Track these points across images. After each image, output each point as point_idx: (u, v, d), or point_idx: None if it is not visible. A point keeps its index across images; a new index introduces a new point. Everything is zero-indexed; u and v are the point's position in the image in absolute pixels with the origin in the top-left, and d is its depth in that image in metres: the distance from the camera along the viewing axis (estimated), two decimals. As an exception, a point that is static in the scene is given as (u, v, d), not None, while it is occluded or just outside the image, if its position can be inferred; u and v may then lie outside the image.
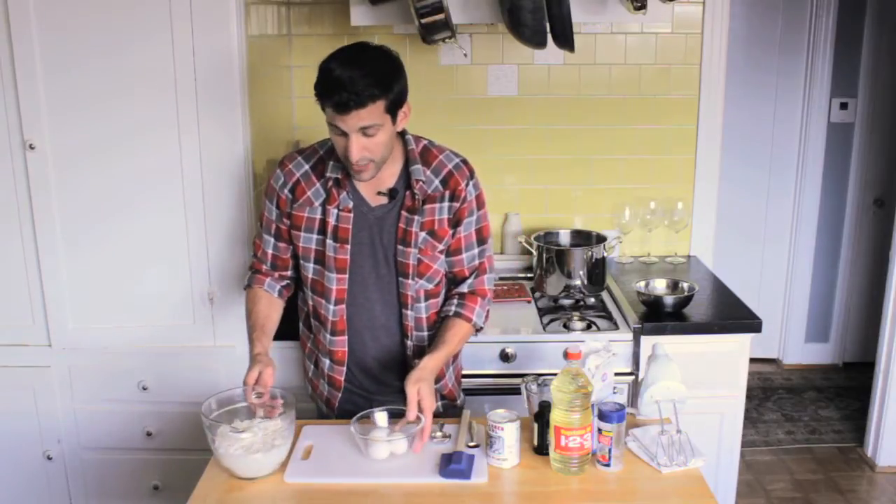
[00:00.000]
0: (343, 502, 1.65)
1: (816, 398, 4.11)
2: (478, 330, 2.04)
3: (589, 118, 2.97)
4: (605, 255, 2.72)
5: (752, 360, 2.71)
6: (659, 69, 2.94)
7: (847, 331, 4.39)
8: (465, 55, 2.86)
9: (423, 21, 2.33)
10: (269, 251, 2.01)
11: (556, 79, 2.94)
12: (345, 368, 2.01)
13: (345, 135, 1.75)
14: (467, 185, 1.94)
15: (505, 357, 2.41)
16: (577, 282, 2.67)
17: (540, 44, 2.44)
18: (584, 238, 2.86)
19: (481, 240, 1.99)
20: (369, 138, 1.75)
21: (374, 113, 1.73)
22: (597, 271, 2.69)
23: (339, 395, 2.05)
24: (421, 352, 1.99)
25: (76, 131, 2.22)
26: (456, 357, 2.13)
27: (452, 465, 1.70)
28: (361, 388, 2.05)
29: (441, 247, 1.95)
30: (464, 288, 2.00)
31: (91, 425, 2.43)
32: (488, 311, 2.04)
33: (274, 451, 1.71)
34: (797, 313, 4.38)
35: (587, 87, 2.95)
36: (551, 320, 2.56)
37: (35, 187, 2.25)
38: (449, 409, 2.11)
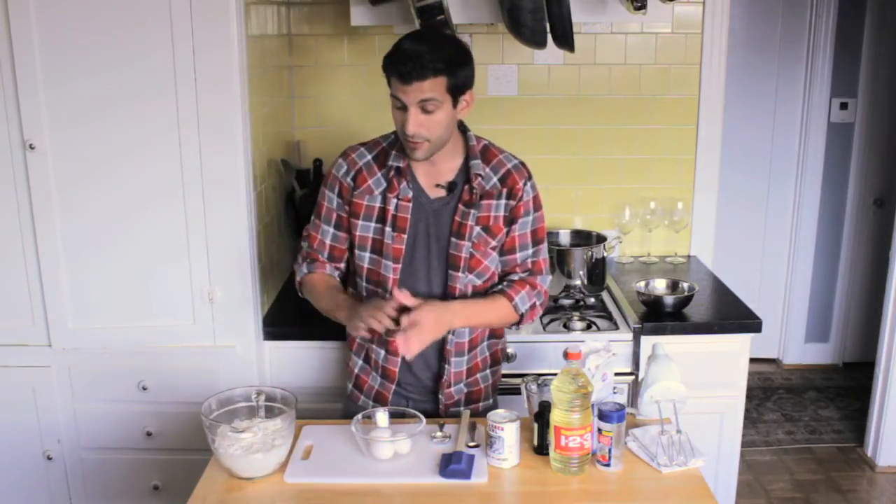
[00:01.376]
0: (343, 502, 1.65)
1: (816, 398, 4.11)
2: (520, 318, 1.98)
3: (589, 118, 2.97)
4: (605, 255, 2.72)
5: (752, 360, 2.71)
6: (659, 69, 2.94)
7: (847, 331, 4.39)
8: (465, 55, 2.86)
9: (423, 21, 2.33)
10: (328, 241, 2.02)
11: (556, 79, 2.94)
12: (399, 359, 2.00)
13: (404, 109, 1.80)
14: (525, 184, 1.96)
15: (505, 357, 2.40)
16: (577, 282, 2.67)
17: (540, 44, 2.44)
18: (584, 238, 2.86)
19: (536, 241, 2.00)
20: (427, 115, 1.80)
21: (435, 88, 1.78)
22: (597, 271, 2.69)
23: (394, 387, 2.02)
24: (460, 349, 1.99)
25: (76, 131, 2.21)
26: (495, 362, 2.09)
27: (452, 465, 1.70)
28: (397, 384, 2.04)
29: (494, 243, 1.96)
30: (514, 277, 2.00)
31: (91, 425, 2.43)
32: (535, 305, 1.99)
33: (274, 451, 1.71)
34: (797, 313, 4.38)
35: (587, 87, 2.95)
36: (551, 320, 2.56)
37: (35, 187, 2.24)
38: (486, 408, 2.08)
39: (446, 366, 1.99)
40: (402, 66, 1.76)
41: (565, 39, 2.46)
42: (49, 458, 2.45)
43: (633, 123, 2.98)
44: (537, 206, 2.00)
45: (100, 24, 2.14)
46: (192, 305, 2.35)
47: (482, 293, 1.99)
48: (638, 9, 2.42)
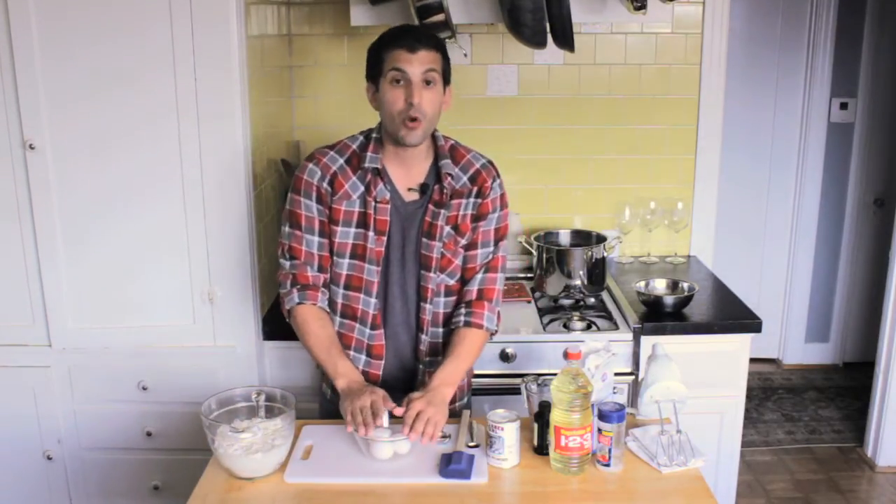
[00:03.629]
0: (343, 502, 1.65)
1: (816, 398, 4.11)
2: (492, 334, 2.02)
3: (589, 118, 2.97)
4: (605, 255, 2.72)
5: (752, 360, 2.71)
6: (659, 69, 2.94)
7: (847, 331, 4.39)
8: (465, 55, 2.86)
9: (423, 21, 2.33)
10: (315, 251, 1.95)
11: (556, 79, 2.94)
12: (383, 362, 1.99)
13: (407, 84, 1.81)
14: (493, 182, 1.99)
15: (505, 357, 2.41)
16: (577, 282, 2.67)
17: (540, 44, 2.44)
18: (584, 238, 2.86)
19: (498, 238, 2.01)
20: (427, 90, 1.83)
21: (436, 61, 1.84)
22: (597, 271, 2.69)
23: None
24: (434, 348, 1.99)
25: (76, 133, 2.22)
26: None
27: (452, 465, 1.70)
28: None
29: (463, 242, 1.97)
30: (473, 286, 1.99)
31: (91, 425, 2.43)
32: (499, 314, 2.02)
33: (274, 451, 1.71)
34: (797, 313, 4.38)
35: (587, 87, 2.95)
36: (551, 320, 2.56)
37: (35, 187, 2.24)
38: (461, 407, 2.09)
39: (420, 366, 2.00)
40: (409, 35, 1.82)
41: (565, 39, 2.46)
42: (49, 459, 2.45)
43: (633, 123, 2.98)
44: (503, 205, 2.02)
45: (99, 26, 2.14)
46: (192, 305, 2.35)
47: (454, 292, 1.99)
48: (638, 9, 2.42)
